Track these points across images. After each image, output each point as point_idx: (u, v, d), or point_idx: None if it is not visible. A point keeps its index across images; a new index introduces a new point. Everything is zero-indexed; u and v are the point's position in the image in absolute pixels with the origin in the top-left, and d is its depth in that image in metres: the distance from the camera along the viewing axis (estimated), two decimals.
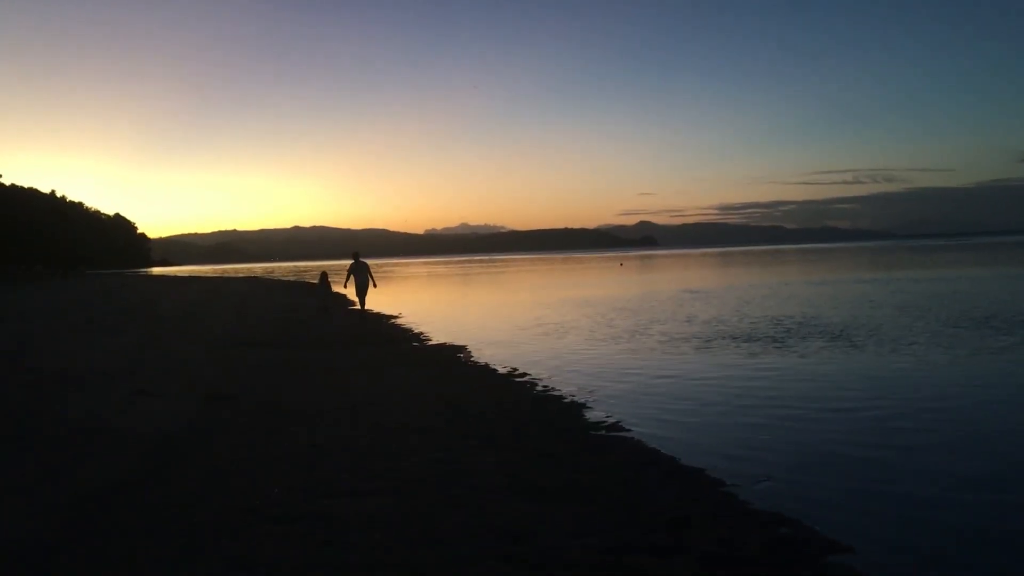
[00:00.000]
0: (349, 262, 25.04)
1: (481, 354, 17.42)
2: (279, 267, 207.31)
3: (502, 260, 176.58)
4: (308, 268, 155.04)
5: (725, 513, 6.51)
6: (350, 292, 24.47)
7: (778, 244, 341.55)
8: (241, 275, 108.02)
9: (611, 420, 10.36)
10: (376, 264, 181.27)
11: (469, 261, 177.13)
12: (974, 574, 5.56)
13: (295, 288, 53.56)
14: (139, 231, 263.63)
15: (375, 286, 24.16)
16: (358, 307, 26.94)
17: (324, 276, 23.00)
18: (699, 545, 5.71)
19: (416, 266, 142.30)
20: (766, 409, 10.80)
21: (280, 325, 24.45)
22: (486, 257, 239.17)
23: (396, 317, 28.33)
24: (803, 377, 13.03)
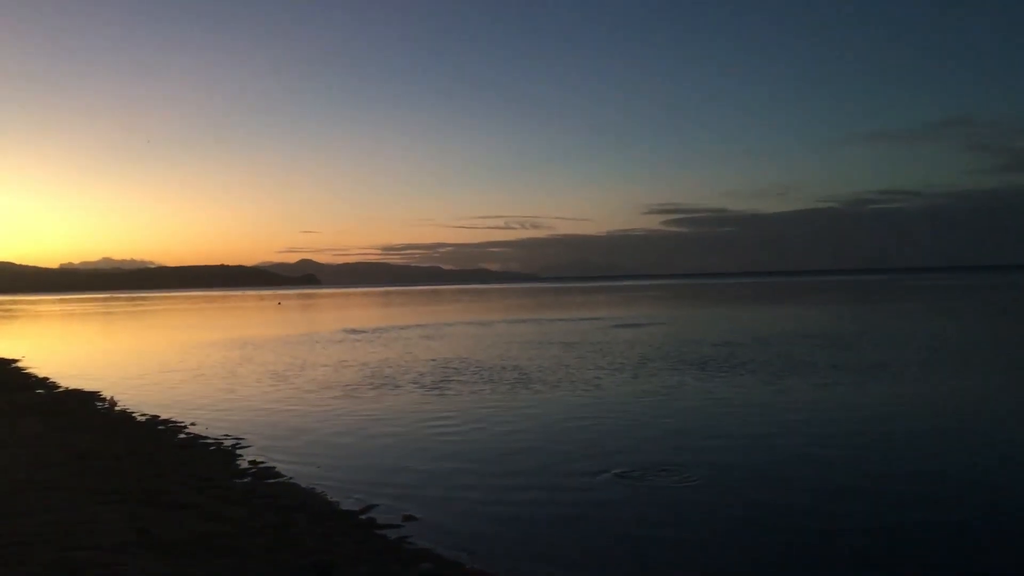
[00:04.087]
0: None
1: (119, 400, 16.03)
2: None
3: (150, 297, 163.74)
4: None
5: (371, 554, 6.56)
6: None
7: (437, 284, 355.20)
8: None
9: (261, 465, 10.04)
10: None
11: (112, 299, 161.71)
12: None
13: None
14: None
15: None
16: None
17: None
18: None
19: (48, 304, 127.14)
20: (421, 450, 11.10)
21: None
22: (132, 294, 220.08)
23: (17, 361, 25.21)
24: (465, 418, 13.49)
